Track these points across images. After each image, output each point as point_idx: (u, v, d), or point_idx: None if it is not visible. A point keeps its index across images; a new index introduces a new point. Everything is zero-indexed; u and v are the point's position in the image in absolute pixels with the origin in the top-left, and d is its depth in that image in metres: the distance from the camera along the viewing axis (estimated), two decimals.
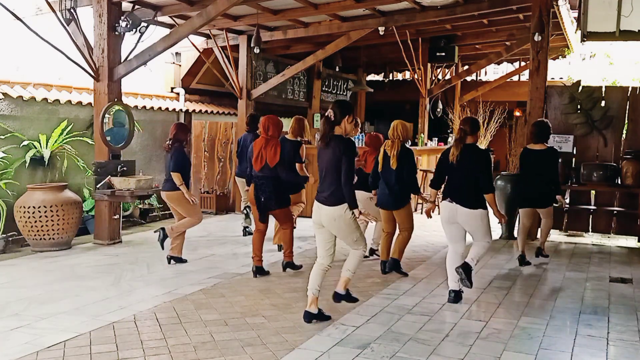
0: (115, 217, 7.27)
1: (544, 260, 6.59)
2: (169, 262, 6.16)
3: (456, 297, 4.93)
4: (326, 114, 4.29)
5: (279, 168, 5.57)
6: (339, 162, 4.19)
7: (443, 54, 11.73)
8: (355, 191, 4.75)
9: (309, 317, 4.34)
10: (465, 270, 4.80)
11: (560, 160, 7.69)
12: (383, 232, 5.97)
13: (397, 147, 5.61)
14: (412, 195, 5.79)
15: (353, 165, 4.22)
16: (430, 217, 5.30)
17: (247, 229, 7.91)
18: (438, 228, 7.85)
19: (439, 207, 5.17)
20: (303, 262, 6.24)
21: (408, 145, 5.96)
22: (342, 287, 4.51)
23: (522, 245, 6.49)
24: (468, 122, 4.94)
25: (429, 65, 12.52)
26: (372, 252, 6.60)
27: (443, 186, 5.11)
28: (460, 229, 4.92)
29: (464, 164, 4.82)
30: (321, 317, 4.37)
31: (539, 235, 6.94)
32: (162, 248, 6.15)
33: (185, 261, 6.23)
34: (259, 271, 5.69)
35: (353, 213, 4.21)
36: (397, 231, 5.90)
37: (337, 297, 4.52)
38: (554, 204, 6.47)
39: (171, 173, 5.90)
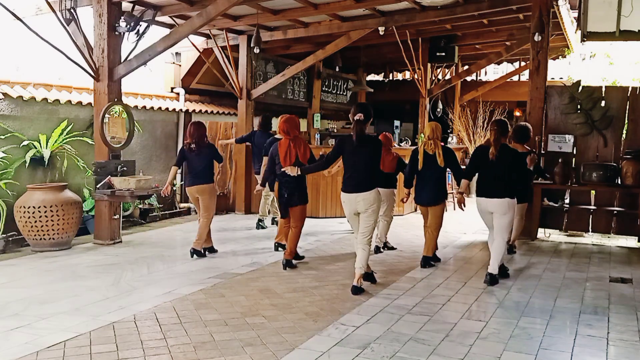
0: (115, 217, 7.27)
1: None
2: (204, 255, 6.54)
3: (492, 280, 5.44)
4: (357, 118, 4.97)
5: (309, 164, 5.85)
6: (377, 158, 5.12)
7: (443, 54, 11.73)
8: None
9: (356, 290, 5.03)
10: (494, 282, 5.48)
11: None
12: (425, 227, 6.32)
13: (439, 147, 6.04)
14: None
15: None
16: (463, 208, 5.86)
17: (260, 223, 8.38)
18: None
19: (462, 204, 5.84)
20: (303, 262, 6.26)
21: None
22: (359, 282, 5.10)
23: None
24: (500, 124, 5.50)
25: (429, 65, 12.52)
26: (377, 249, 6.89)
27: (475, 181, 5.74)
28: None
29: (499, 161, 5.41)
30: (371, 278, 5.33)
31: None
32: (205, 255, 6.55)
33: (216, 250, 6.71)
34: (288, 264, 5.99)
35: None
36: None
37: (356, 290, 5.06)
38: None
39: (221, 165, 6.50)
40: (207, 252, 6.59)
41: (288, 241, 6.12)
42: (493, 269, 5.49)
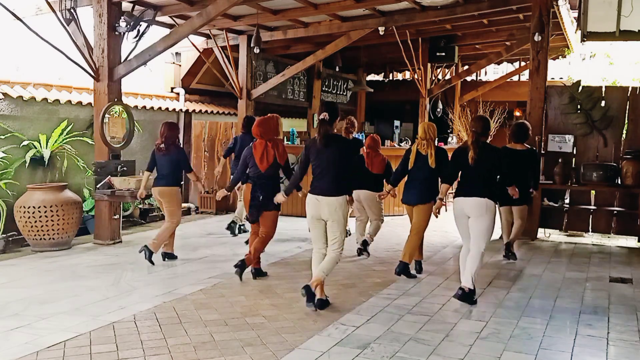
0: (115, 217, 7.27)
1: (511, 260, 6.60)
2: (164, 260, 6.29)
3: (463, 296, 4.86)
4: (321, 117, 4.63)
5: (284, 166, 5.58)
6: (345, 160, 4.64)
7: (443, 54, 11.74)
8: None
9: (309, 297, 4.56)
10: (465, 298, 4.82)
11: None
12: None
13: (432, 147, 5.71)
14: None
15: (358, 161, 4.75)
16: (437, 216, 5.37)
17: (241, 227, 7.99)
18: (438, 228, 7.86)
19: (445, 206, 5.29)
20: (303, 262, 6.25)
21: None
22: (314, 286, 4.61)
23: (506, 238, 6.80)
24: (480, 123, 5.03)
25: (429, 65, 12.53)
26: (365, 244, 6.67)
27: (456, 183, 5.32)
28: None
29: (480, 163, 4.92)
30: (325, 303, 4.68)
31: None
32: (153, 264, 6.07)
33: (175, 257, 6.38)
34: (258, 273, 5.66)
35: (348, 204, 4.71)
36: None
37: (307, 292, 4.57)
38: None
39: (188, 174, 6.35)
40: (166, 258, 6.29)
41: (254, 246, 5.55)
42: (466, 281, 4.83)
